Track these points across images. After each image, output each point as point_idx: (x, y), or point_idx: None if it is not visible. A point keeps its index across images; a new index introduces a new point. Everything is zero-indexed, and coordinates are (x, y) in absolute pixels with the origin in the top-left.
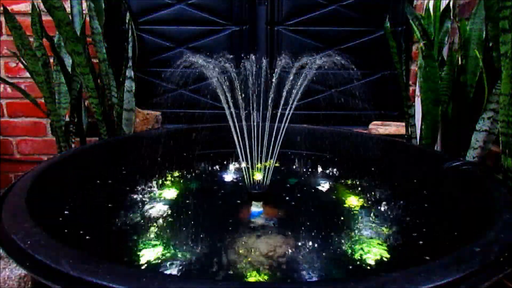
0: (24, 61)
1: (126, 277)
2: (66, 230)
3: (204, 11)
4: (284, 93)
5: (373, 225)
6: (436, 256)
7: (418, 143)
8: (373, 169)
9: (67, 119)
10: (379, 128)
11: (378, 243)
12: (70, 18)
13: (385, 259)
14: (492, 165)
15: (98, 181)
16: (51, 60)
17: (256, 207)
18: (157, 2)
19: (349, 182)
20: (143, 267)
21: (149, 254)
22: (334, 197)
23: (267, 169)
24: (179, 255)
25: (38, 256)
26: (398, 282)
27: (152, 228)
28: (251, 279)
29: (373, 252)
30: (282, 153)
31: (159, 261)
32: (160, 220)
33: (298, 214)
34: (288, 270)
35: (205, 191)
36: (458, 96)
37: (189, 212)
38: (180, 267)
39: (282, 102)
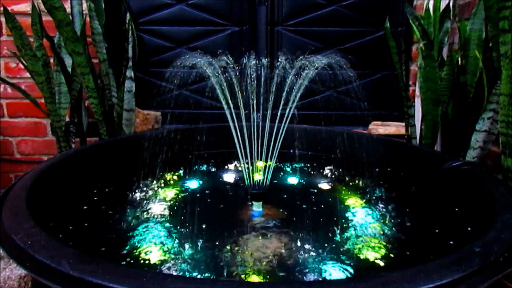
0: (24, 61)
1: (126, 277)
2: (66, 230)
3: (204, 11)
4: (284, 93)
5: (373, 225)
6: (436, 256)
7: (418, 143)
8: (373, 169)
9: (67, 119)
10: (379, 128)
11: (378, 243)
12: (70, 18)
13: (385, 259)
14: (492, 165)
15: (98, 181)
16: (51, 61)
17: (256, 207)
18: (157, 2)
19: (349, 182)
20: (143, 267)
21: (149, 254)
22: (334, 197)
23: (267, 169)
24: (179, 255)
25: (39, 256)
26: (398, 282)
27: (152, 228)
28: (251, 279)
29: (373, 252)
30: (282, 153)
31: (159, 261)
32: (160, 220)
33: (298, 214)
34: (288, 270)
35: (205, 191)
36: (458, 96)
37: (189, 212)
38: (180, 267)
39: (282, 102)
